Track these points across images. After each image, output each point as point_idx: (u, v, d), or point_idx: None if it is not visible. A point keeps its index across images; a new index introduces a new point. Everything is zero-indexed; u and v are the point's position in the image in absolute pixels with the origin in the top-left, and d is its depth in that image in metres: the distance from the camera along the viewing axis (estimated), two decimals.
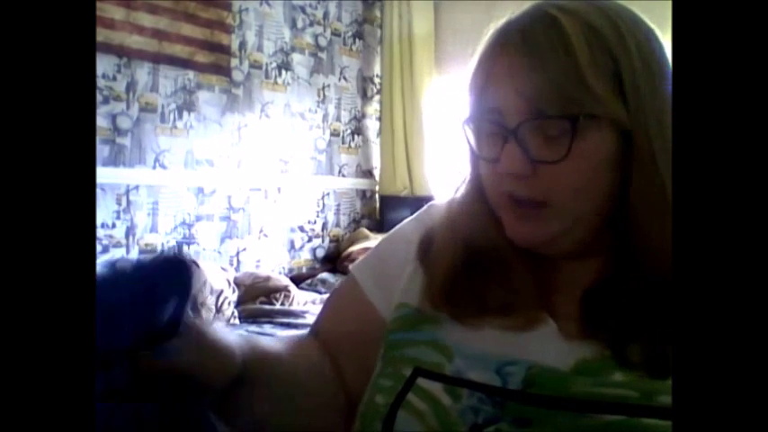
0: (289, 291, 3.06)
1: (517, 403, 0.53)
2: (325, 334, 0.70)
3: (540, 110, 0.54)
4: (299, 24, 3.67)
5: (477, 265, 0.61)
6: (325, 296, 0.79)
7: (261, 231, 3.46)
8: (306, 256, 3.71)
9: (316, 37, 3.76)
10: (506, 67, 0.56)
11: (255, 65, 3.43)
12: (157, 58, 2.97)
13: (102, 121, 2.80)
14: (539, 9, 0.57)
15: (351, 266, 0.73)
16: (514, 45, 0.56)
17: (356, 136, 4.03)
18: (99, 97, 2.80)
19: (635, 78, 0.54)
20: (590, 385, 0.52)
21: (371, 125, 4.13)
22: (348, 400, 0.65)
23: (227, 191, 3.30)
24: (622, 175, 0.55)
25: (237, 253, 3.35)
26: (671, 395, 0.48)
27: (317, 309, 0.79)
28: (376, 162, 4.14)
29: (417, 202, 3.71)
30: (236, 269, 3.30)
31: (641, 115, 0.54)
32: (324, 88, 3.80)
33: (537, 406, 0.52)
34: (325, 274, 3.51)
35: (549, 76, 0.53)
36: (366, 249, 0.76)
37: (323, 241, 3.81)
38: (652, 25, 0.59)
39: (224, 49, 3.24)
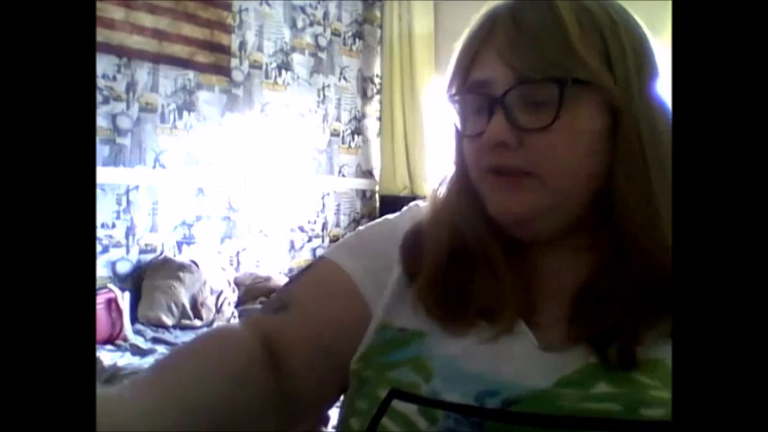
0: None
1: (497, 423, 0.50)
2: (300, 306, 0.61)
3: (528, 77, 0.54)
4: (299, 24, 3.67)
5: (461, 266, 0.59)
6: None
7: (261, 231, 3.46)
8: (306, 256, 3.71)
9: (316, 37, 3.77)
10: (495, 42, 0.56)
11: (255, 65, 3.43)
12: (157, 58, 2.97)
13: (102, 121, 2.80)
14: None
15: (329, 255, 0.65)
16: (504, 22, 0.56)
17: (356, 136, 4.03)
18: (99, 97, 2.80)
19: (625, 59, 0.54)
20: (573, 400, 0.50)
21: (371, 125, 4.13)
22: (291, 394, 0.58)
23: (227, 191, 3.30)
24: (610, 157, 0.55)
25: (237, 253, 3.35)
26: (654, 408, 0.48)
27: None
28: (376, 162, 4.14)
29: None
30: (236, 269, 3.30)
31: (629, 95, 0.54)
32: (324, 88, 3.80)
33: (518, 425, 0.50)
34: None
35: (537, 46, 0.53)
36: None
37: (323, 241, 3.81)
38: (644, 25, 0.59)
39: (224, 49, 3.24)
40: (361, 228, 0.71)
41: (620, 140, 0.54)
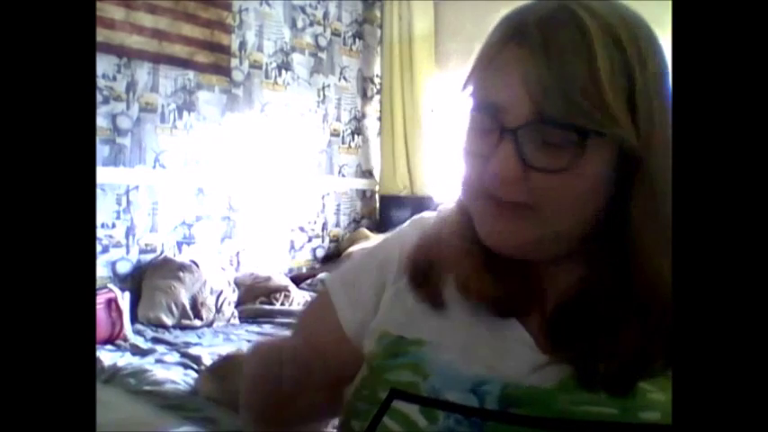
0: (289, 291, 3.07)
1: (496, 423, 0.50)
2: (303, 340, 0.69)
3: (547, 114, 0.49)
4: (299, 24, 3.67)
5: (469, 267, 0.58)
6: None
7: (261, 231, 3.46)
8: (306, 256, 3.71)
9: (316, 37, 3.76)
10: (517, 59, 0.51)
11: (255, 65, 3.43)
12: (157, 58, 2.97)
13: (102, 121, 2.80)
14: (563, 6, 0.52)
15: (325, 279, 0.70)
16: (530, 36, 0.50)
17: (356, 136, 4.03)
18: (99, 97, 2.80)
19: (649, 97, 0.51)
20: (570, 403, 0.50)
21: (371, 125, 4.13)
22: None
23: (227, 191, 3.29)
24: (618, 193, 0.52)
25: (237, 253, 3.35)
26: (652, 411, 0.48)
27: None
28: (376, 162, 4.14)
29: (417, 202, 3.73)
30: (236, 269, 3.29)
31: (651, 138, 0.51)
32: (324, 88, 3.80)
33: (518, 425, 0.50)
34: (324, 274, 3.51)
35: (564, 80, 0.49)
36: None
37: (323, 241, 3.81)
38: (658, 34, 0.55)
39: (224, 49, 3.24)
40: (361, 255, 0.72)
41: (637, 180, 0.52)
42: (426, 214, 0.69)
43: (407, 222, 0.70)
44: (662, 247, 0.51)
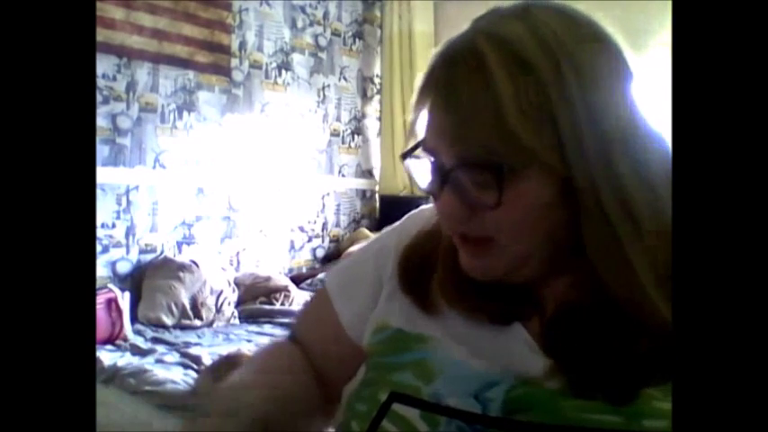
0: (289, 291, 3.07)
1: (499, 431, 0.50)
2: (301, 343, 0.72)
3: (463, 157, 0.52)
4: (299, 24, 3.67)
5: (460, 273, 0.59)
6: None
7: (261, 231, 3.46)
8: (306, 256, 3.71)
9: (316, 37, 3.76)
10: (431, 105, 0.53)
11: (255, 65, 3.43)
12: (157, 58, 2.97)
13: (102, 121, 2.80)
14: (469, 39, 0.53)
15: (325, 278, 0.73)
16: (437, 83, 0.53)
17: (356, 136, 4.03)
18: (99, 97, 2.80)
19: (574, 120, 0.49)
20: (573, 410, 0.50)
21: (371, 125, 4.13)
22: (329, 394, 0.66)
23: (227, 191, 3.30)
24: (569, 211, 0.52)
25: (237, 253, 3.35)
26: (656, 419, 0.47)
27: None
28: (376, 162, 4.14)
29: (417, 202, 3.70)
30: (236, 269, 3.30)
31: (581, 159, 0.50)
32: (324, 88, 3.80)
33: None
34: (324, 274, 3.50)
35: (469, 121, 0.50)
36: None
37: (323, 241, 3.81)
38: (613, 36, 0.54)
39: (224, 49, 3.24)
40: (359, 250, 0.73)
41: (578, 202, 0.51)
42: (425, 207, 0.70)
43: (405, 217, 0.71)
44: (625, 259, 0.51)
